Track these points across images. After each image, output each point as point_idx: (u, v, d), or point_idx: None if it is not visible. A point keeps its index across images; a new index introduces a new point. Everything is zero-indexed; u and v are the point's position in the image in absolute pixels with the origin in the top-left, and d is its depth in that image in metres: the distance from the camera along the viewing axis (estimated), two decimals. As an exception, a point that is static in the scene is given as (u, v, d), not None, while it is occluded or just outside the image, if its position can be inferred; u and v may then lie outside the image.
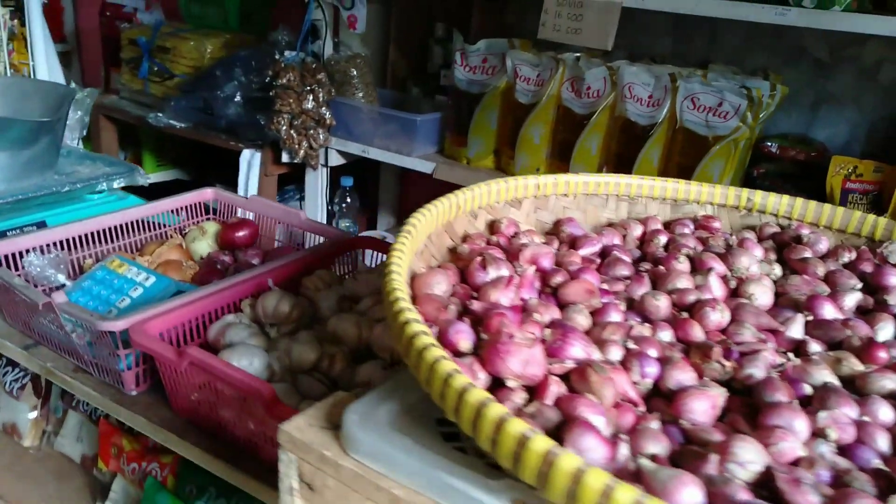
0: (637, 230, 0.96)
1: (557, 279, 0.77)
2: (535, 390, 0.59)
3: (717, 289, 0.77)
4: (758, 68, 1.90)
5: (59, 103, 1.23)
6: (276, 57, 2.03)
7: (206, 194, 1.36)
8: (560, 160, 1.84)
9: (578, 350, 0.63)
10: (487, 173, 1.94)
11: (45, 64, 1.57)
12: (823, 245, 0.91)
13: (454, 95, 1.98)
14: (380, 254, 1.21)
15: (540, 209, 1.00)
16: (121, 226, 1.23)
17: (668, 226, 0.99)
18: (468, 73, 1.93)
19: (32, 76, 1.59)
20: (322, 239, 1.24)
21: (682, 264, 0.84)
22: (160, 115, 2.23)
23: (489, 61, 1.91)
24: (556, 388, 0.59)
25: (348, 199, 2.23)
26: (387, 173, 2.53)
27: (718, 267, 0.81)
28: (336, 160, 2.15)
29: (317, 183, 2.19)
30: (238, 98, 2.14)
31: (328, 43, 2.05)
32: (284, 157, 2.11)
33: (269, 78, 2.03)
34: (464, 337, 0.62)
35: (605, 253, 0.90)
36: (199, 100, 2.20)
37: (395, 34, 2.26)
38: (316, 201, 2.21)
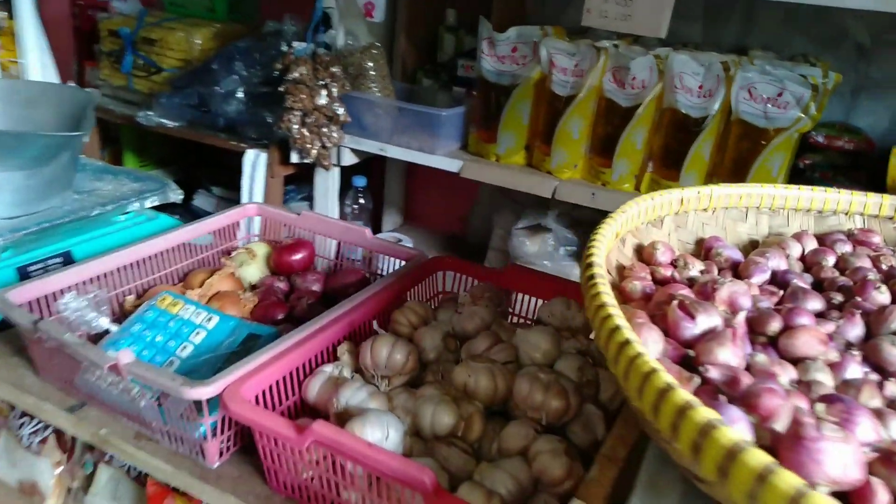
0: (796, 249, 0.83)
1: (774, 326, 0.63)
2: (848, 497, 0.46)
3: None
4: (797, 54, 1.79)
5: (76, 110, 1.03)
6: (285, 49, 1.83)
7: (250, 210, 1.18)
8: (601, 155, 1.70)
9: (869, 431, 0.49)
10: (520, 171, 1.79)
11: (39, 62, 1.34)
12: None
13: (481, 87, 1.82)
14: (459, 275, 1.05)
15: (680, 227, 0.86)
16: (161, 253, 1.04)
17: (820, 242, 0.87)
18: (497, 63, 1.77)
19: (22, 76, 1.36)
20: (395, 261, 1.07)
21: (884, 294, 0.71)
22: (150, 113, 2.00)
23: (519, 50, 1.75)
24: (884, 498, 0.45)
25: (361, 200, 2.05)
26: (392, 171, 2.36)
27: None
28: (349, 159, 1.97)
29: (328, 184, 2.00)
30: (240, 94, 1.93)
31: (341, 33, 1.85)
32: (294, 158, 1.92)
33: (278, 72, 1.83)
34: (742, 427, 0.48)
35: (774, 281, 0.77)
36: (194, 96, 1.98)
37: (403, 22, 2.08)
38: (327, 203, 2.02)
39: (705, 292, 0.68)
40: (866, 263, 0.79)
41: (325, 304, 1.04)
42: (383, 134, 1.88)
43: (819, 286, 0.77)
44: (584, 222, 1.96)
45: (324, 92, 1.82)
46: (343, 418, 0.73)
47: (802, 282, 0.75)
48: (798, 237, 0.86)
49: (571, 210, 1.93)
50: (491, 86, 1.79)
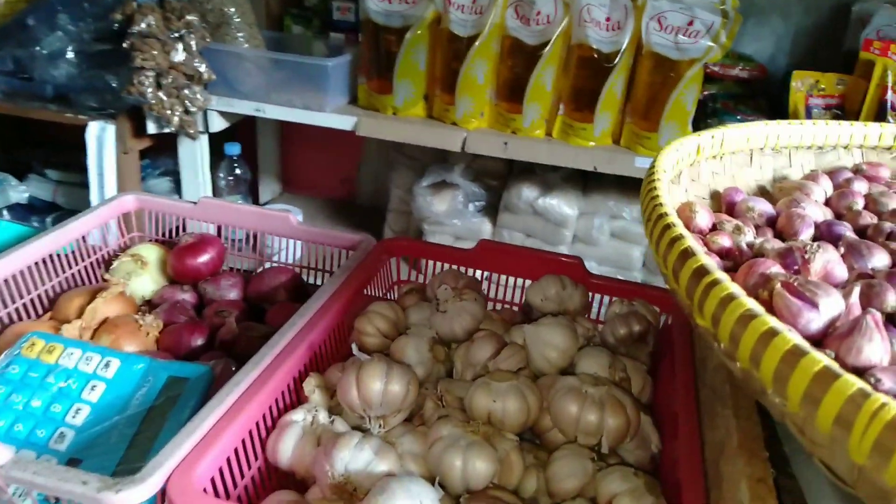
0: (818, 193, 0.72)
1: (892, 300, 0.50)
2: None
3: None
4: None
5: None
6: (123, -5, 1.47)
7: (127, 203, 0.89)
8: (509, 101, 1.54)
9: None
10: (422, 124, 1.59)
11: None
12: None
13: (367, 32, 1.58)
14: (417, 259, 0.85)
15: (694, 181, 0.72)
16: (14, 277, 0.74)
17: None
18: (383, 3, 1.53)
19: None
20: (328, 250, 0.85)
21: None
22: (-52, 86, 1.56)
23: (408, -13, 1.52)
24: None
25: (237, 171, 1.76)
26: (265, 134, 2.06)
27: None
28: (219, 124, 1.66)
29: (195, 155, 1.68)
30: (69, 55, 1.55)
31: (193, -27, 1.52)
32: (151, 128, 1.58)
33: (118, 24, 1.47)
34: None
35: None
36: (8, 61, 1.56)
37: (262, -41, 1.77)
38: (197, 179, 1.71)
39: (788, 264, 0.54)
40: (893, 202, 0.69)
41: (252, 317, 0.80)
42: (258, 92, 1.59)
43: (861, 235, 0.66)
44: (491, 174, 1.80)
45: (179, 46, 1.49)
46: (345, 490, 0.52)
47: (853, 234, 0.63)
48: (814, 178, 0.74)
49: (471, 161, 1.76)
50: (379, 29, 1.55)
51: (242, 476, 0.56)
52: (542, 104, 1.52)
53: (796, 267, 0.53)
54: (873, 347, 0.44)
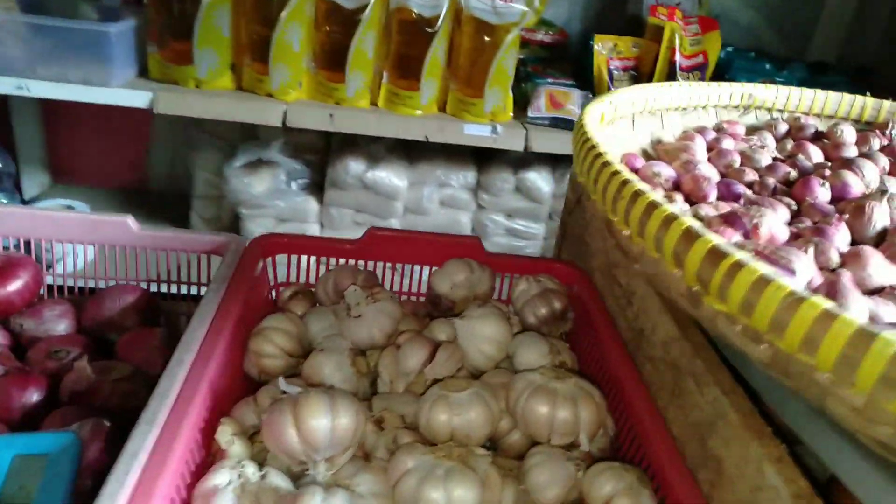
0: (701, 153, 0.74)
1: (835, 258, 0.51)
2: None
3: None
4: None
5: None
6: None
7: None
8: (329, 69, 1.42)
9: None
10: (231, 97, 1.41)
11: None
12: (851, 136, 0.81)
13: (155, -8, 1.34)
14: (294, 257, 0.73)
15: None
16: None
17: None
18: (172, -41, 1.31)
19: None
20: (195, 258, 0.69)
21: (826, 189, 0.65)
22: None
23: (199, -60, 1.32)
24: None
25: (-3, 164, 1.43)
26: (22, 117, 1.70)
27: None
28: (-34, 108, 1.32)
29: (-64, 148, 1.33)
30: None
31: None
32: None
33: None
34: None
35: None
36: None
37: None
38: (-58, 177, 1.35)
39: (738, 230, 0.53)
40: (764, 158, 0.73)
41: (96, 353, 0.64)
42: (17, 66, 1.29)
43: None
44: (308, 149, 1.66)
45: None
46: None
47: (749, 191, 0.66)
48: (690, 139, 0.76)
49: (285, 136, 1.62)
50: (169, -11, 1.33)
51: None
52: (365, 72, 1.42)
53: (744, 231, 0.53)
54: (859, 308, 0.44)
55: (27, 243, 0.70)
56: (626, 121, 0.76)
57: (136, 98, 1.34)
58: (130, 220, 0.70)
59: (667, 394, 0.55)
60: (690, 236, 0.40)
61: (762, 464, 0.41)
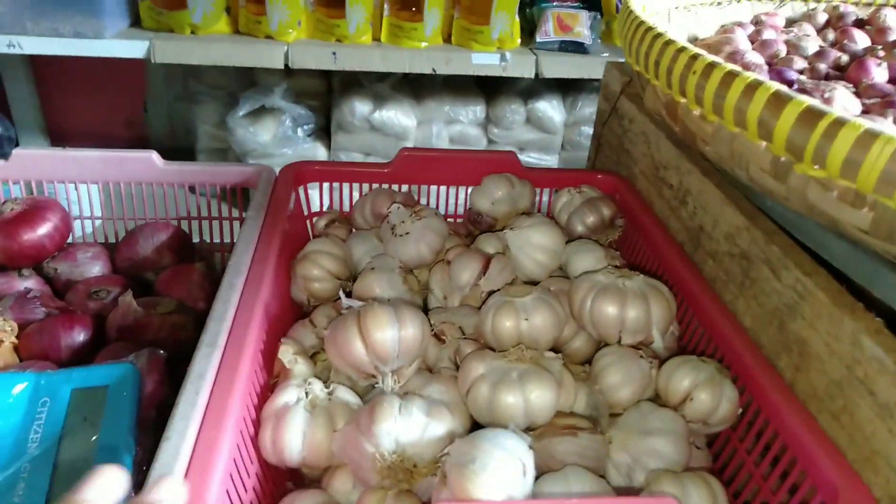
0: (744, 44, 0.71)
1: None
2: None
3: None
4: None
5: None
6: None
7: None
8: (328, 5, 1.37)
9: None
10: (230, 41, 1.36)
11: None
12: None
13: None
14: (324, 185, 0.70)
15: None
16: None
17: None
18: None
19: None
20: (225, 192, 0.67)
21: (883, 69, 0.62)
22: None
23: None
24: None
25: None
26: (14, 76, 1.64)
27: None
28: (-43, 69, 1.27)
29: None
30: None
31: None
32: None
33: None
34: None
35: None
36: None
37: None
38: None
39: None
40: (815, 46, 0.70)
41: (136, 293, 0.62)
42: (6, 23, 1.24)
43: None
44: (309, 93, 1.62)
45: None
46: (400, 469, 0.40)
47: (802, 77, 0.63)
48: (731, 32, 0.73)
49: (285, 81, 1.57)
50: (155, -72, 1.26)
51: (247, 491, 0.42)
52: (366, 6, 1.37)
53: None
54: None
55: (49, 186, 0.67)
56: (661, 18, 0.72)
57: (132, 48, 1.29)
58: (155, 155, 0.67)
59: (735, 286, 0.53)
60: (780, 100, 0.38)
61: (859, 337, 0.40)
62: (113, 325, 0.56)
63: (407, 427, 0.41)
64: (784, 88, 0.38)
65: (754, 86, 0.39)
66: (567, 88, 1.63)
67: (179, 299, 0.60)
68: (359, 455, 0.41)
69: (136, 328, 0.55)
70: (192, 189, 0.71)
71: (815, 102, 0.37)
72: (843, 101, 0.50)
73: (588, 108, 1.62)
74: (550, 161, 1.66)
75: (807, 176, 0.38)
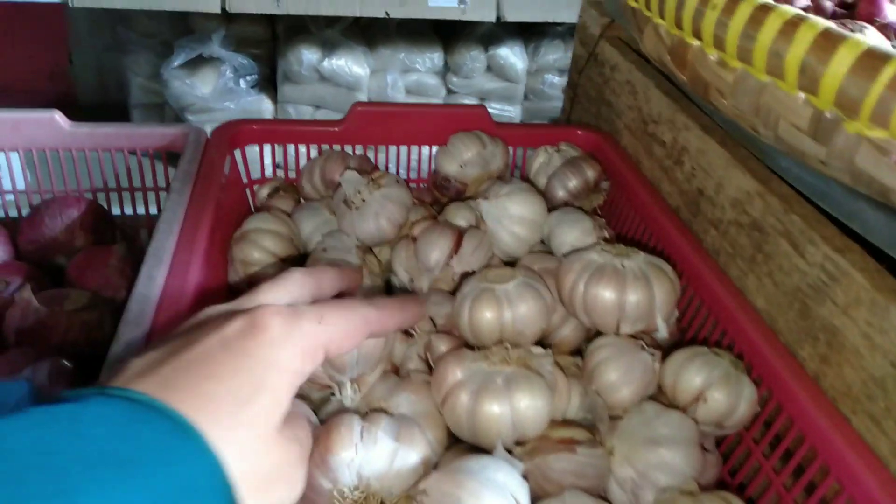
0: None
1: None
2: None
3: None
4: None
5: None
6: None
7: None
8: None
9: None
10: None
11: None
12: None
13: None
14: (266, 146, 0.60)
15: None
16: None
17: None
18: None
19: None
20: (146, 160, 0.56)
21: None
22: None
23: None
24: None
25: None
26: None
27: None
28: None
29: None
30: None
31: None
32: None
33: None
34: None
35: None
36: None
37: None
38: None
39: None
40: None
41: (42, 282, 0.52)
42: None
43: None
44: (250, 41, 1.48)
45: None
46: (368, 507, 0.33)
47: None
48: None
49: (224, 27, 1.43)
50: None
51: None
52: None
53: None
54: None
55: (-70, 157, 0.56)
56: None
57: (45, -10, 1.14)
58: (58, 115, 0.56)
59: (743, 261, 0.46)
60: (831, 41, 0.30)
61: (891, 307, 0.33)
62: (11, 326, 0.46)
63: (371, 456, 0.33)
64: (835, 27, 0.30)
65: (795, 23, 0.31)
66: (529, 34, 1.53)
67: (95, 289, 0.51)
68: (313, 492, 0.33)
69: (40, 330, 0.45)
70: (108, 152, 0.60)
71: (877, 44, 0.29)
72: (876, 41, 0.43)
73: (552, 54, 1.52)
74: (513, 112, 1.57)
75: (859, 136, 0.31)
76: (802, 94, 0.33)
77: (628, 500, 0.38)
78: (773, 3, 0.33)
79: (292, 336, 0.29)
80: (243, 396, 0.26)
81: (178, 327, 0.31)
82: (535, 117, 1.61)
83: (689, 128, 0.52)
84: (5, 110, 0.55)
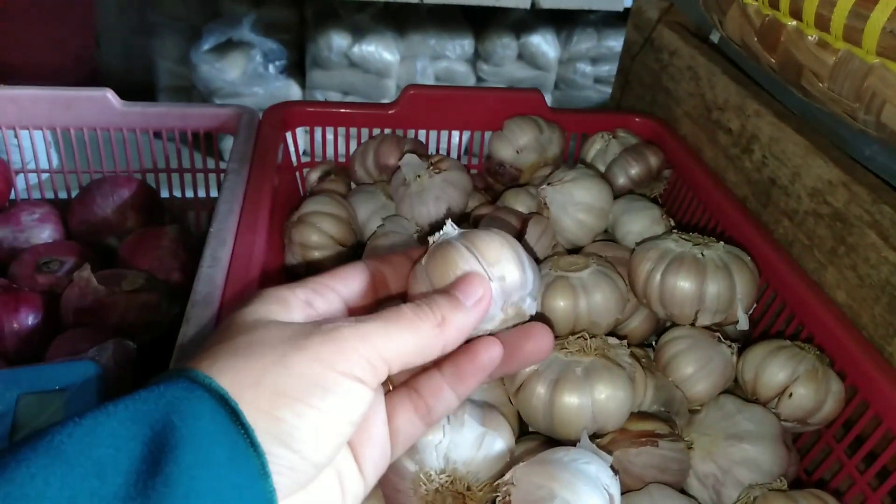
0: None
1: None
2: None
3: None
4: None
5: None
6: None
7: None
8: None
9: None
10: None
11: None
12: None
13: None
14: (313, 130, 0.59)
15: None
16: None
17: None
18: None
19: None
20: (195, 140, 0.55)
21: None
22: None
23: None
24: None
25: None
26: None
27: None
28: None
29: None
30: None
31: None
32: None
33: None
34: None
35: None
36: None
37: None
38: None
39: None
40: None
41: (94, 262, 0.51)
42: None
43: None
44: (279, 26, 1.47)
45: None
46: (451, 492, 0.32)
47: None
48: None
49: (253, 11, 1.42)
50: None
51: None
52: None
53: None
54: None
55: (-19, 134, 0.55)
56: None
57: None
58: (111, 94, 0.55)
59: (822, 253, 0.45)
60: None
61: None
62: (69, 306, 0.45)
63: (458, 439, 0.32)
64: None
65: (915, 1, 0.30)
66: (561, 22, 1.51)
67: (148, 270, 0.50)
68: (395, 475, 0.32)
69: (98, 310, 0.45)
70: (156, 134, 0.59)
71: None
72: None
73: (584, 43, 1.50)
74: (543, 101, 1.55)
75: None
76: (917, 77, 0.31)
77: (710, 497, 0.37)
78: (887, -21, 0.31)
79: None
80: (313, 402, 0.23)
81: (238, 313, 0.26)
82: (566, 106, 1.59)
83: (760, 115, 0.50)
84: (58, 88, 0.55)
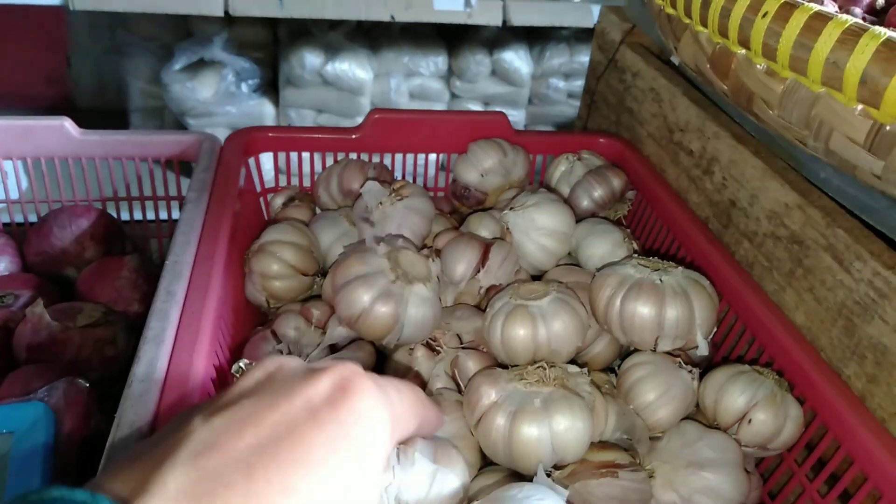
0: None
1: None
2: None
3: None
4: None
5: None
6: None
7: None
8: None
9: None
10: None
11: None
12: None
13: None
14: (279, 154, 0.58)
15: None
16: None
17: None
18: None
19: None
20: (157, 167, 0.55)
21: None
22: None
23: None
24: None
25: None
26: None
27: None
28: None
29: None
30: None
31: None
32: None
33: None
34: None
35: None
36: None
37: None
38: None
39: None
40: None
41: (51, 295, 0.50)
42: None
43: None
44: (252, 44, 1.46)
45: None
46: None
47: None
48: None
49: (225, 31, 1.41)
50: None
51: None
52: (315, -56, 1.22)
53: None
54: None
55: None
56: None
57: (47, -6, 1.12)
58: (68, 123, 0.54)
59: (780, 275, 0.45)
60: (895, 50, 0.29)
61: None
62: (21, 342, 0.44)
63: (410, 479, 0.32)
64: (899, 36, 0.29)
65: (856, 33, 0.30)
66: (534, 38, 1.52)
67: (107, 303, 0.49)
68: None
69: (52, 346, 0.44)
70: (117, 160, 0.58)
71: (946, 55, 0.28)
72: None
73: (557, 58, 1.51)
74: (518, 117, 1.56)
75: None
76: (860, 106, 0.31)
77: (672, 527, 0.37)
78: (828, 10, 0.32)
79: (384, 406, 0.25)
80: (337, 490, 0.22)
81: (242, 380, 0.25)
82: (540, 122, 1.60)
83: (719, 137, 0.51)
84: (14, 117, 0.54)
